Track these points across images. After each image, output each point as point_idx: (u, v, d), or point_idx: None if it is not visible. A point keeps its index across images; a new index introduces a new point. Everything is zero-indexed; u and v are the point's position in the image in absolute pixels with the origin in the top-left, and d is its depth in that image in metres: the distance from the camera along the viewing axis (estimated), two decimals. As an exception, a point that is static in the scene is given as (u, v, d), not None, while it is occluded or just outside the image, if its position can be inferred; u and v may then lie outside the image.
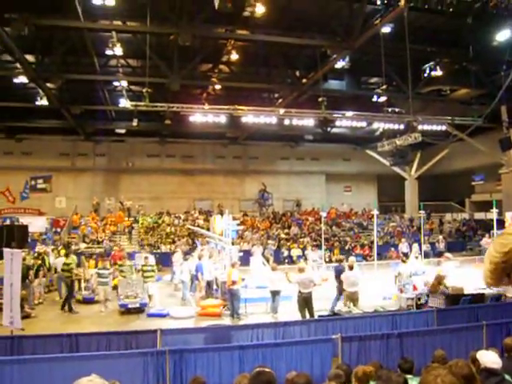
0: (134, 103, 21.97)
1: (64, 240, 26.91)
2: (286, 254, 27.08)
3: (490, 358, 4.50)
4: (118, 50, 18.98)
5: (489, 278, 1.83)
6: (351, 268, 13.60)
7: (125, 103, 23.43)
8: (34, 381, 5.31)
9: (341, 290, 13.82)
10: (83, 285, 17.18)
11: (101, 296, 15.52)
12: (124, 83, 24.06)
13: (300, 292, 12.82)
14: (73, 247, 24.55)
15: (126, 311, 14.56)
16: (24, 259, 13.93)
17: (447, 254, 17.31)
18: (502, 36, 18.64)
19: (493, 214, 20.14)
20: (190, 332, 10.38)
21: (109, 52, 19.69)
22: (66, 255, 17.53)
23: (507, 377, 4.47)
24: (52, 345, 8.97)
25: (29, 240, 24.87)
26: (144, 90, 20.93)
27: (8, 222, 28.94)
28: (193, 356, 8.22)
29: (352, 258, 14.69)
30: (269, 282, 14.15)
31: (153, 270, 16.11)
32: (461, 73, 23.16)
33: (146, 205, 32.66)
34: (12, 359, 7.56)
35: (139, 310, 14.60)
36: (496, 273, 1.79)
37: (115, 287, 16.43)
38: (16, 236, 25.56)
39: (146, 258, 17.20)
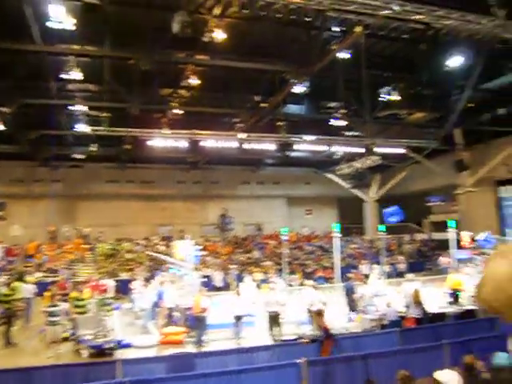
0: (92, 128, 21.66)
1: (18, 269, 25.93)
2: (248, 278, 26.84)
3: (448, 378, 4.55)
4: (77, 75, 18.71)
5: (501, 307, 1.54)
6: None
7: (83, 128, 23.06)
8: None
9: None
10: None
11: (48, 338, 13.44)
12: (82, 108, 23.68)
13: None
14: (28, 277, 23.68)
15: (99, 353, 12.52)
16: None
17: (409, 275, 17.53)
18: (453, 62, 19.40)
19: (450, 234, 20.57)
20: (152, 361, 10.11)
21: (66, 76, 19.38)
22: (8, 285, 16.43)
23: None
24: (4, 380, 8.54)
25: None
26: (103, 115, 20.68)
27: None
28: (155, 386, 7.99)
29: (308, 282, 15.19)
30: (232, 307, 13.98)
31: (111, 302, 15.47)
32: (416, 97, 23.94)
33: (105, 231, 31.92)
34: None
35: (112, 349, 12.82)
36: None
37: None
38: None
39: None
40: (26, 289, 18.62)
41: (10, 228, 31.12)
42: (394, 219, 21.48)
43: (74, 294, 15.44)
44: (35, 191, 32.53)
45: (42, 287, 20.06)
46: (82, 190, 33.33)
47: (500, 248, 1.62)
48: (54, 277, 25.57)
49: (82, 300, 15.08)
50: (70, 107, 24.03)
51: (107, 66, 18.25)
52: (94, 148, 24.03)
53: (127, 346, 13.45)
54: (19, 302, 15.88)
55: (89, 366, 9.49)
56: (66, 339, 13.57)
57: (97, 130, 21.55)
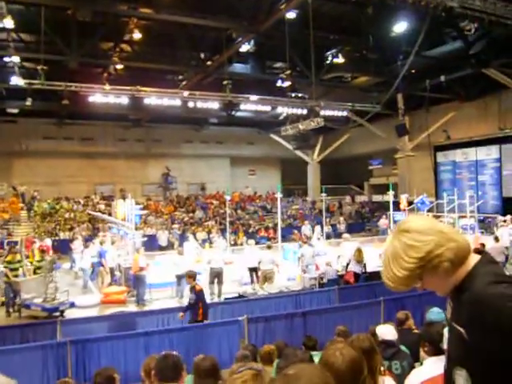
0: (27, 81, 20.56)
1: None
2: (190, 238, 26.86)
3: (386, 331, 4.78)
4: (9, 23, 17.54)
5: (399, 284, 1.62)
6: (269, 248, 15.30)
7: (17, 81, 21.83)
8: None
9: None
10: None
11: None
12: (16, 59, 22.34)
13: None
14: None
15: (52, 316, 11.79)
16: None
17: (345, 235, 18.08)
18: (399, 27, 19.65)
19: (389, 197, 21.24)
20: (93, 321, 10.05)
21: (-3, 24, 18.17)
22: None
23: (402, 347, 4.77)
24: None
25: None
26: (39, 68, 19.65)
27: None
28: (96, 345, 7.96)
29: (251, 241, 15.52)
30: (174, 266, 14.01)
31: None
32: (361, 61, 24.16)
33: (42, 190, 30.84)
34: None
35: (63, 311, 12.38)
36: (409, 279, 1.59)
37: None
38: None
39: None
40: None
41: None
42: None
43: (11, 258, 14.05)
44: (-34, 147, 30.82)
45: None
46: (17, 147, 31.84)
47: (397, 226, 1.70)
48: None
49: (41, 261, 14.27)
50: (2, 58, 22.73)
51: (43, 15, 17.19)
52: (29, 103, 22.85)
53: (71, 305, 13.18)
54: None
55: (28, 327, 9.31)
56: (3, 304, 13.07)
57: (32, 84, 20.47)
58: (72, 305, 13.01)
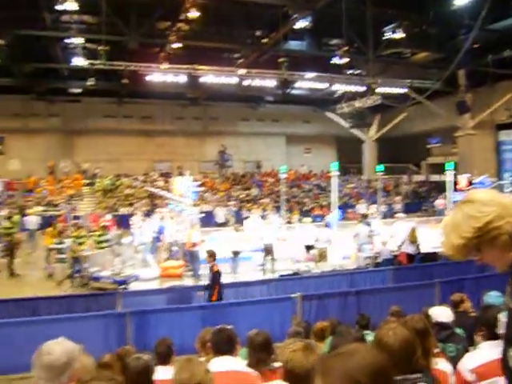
0: (89, 61, 21.24)
1: (18, 203, 26.17)
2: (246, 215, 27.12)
3: (441, 313, 4.71)
4: (71, 5, 18.08)
5: (455, 252, 1.65)
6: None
7: (80, 61, 22.60)
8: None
9: None
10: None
11: (59, 276, 13.48)
12: (79, 40, 23.10)
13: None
14: (30, 210, 23.95)
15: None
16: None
17: (399, 215, 17.78)
18: (460, 0, 18.79)
19: (447, 176, 20.65)
20: (151, 294, 10.42)
21: (61, 7, 18.75)
22: (9, 218, 16.63)
23: (458, 330, 4.69)
24: (13, 309, 8.86)
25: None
26: (100, 48, 20.22)
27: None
28: (154, 317, 8.28)
29: (306, 219, 15.40)
30: (230, 243, 14.24)
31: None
32: (421, 36, 23.35)
33: (103, 167, 31.95)
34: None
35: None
36: (466, 248, 1.61)
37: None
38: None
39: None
40: (29, 221, 18.97)
41: (8, 162, 31.22)
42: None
43: (77, 233, 14.70)
44: (32, 125, 32.23)
45: (44, 221, 20.33)
46: (80, 125, 33.05)
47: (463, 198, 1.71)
48: (55, 211, 25.89)
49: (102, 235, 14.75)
50: (66, 40, 23.49)
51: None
52: (91, 82, 23.61)
53: (136, 278, 13.45)
54: (19, 234, 16.14)
55: (91, 297, 9.79)
56: (69, 276, 13.51)
57: (94, 64, 21.11)
58: (137, 278, 13.41)
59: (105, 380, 1.83)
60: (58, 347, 2.39)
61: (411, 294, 9.57)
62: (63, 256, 13.81)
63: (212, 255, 9.78)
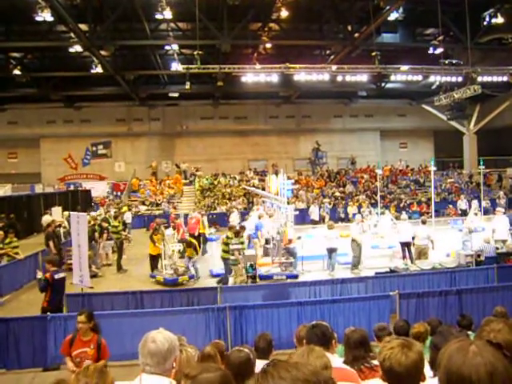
0: (185, 66, 22.15)
1: (125, 203, 27.87)
2: (341, 212, 26.85)
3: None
4: (168, 14, 18.95)
5: None
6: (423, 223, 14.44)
7: (176, 67, 23.67)
8: (104, 335, 5.71)
9: None
10: (165, 262, 13.92)
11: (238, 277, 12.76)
12: (175, 47, 24.23)
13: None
14: (133, 209, 25.51)
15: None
16: (89, 222, 14.31)
17: (499, 209, 16.77)
18: None
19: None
20: (249, 289, 10.68)
21: (159, 16, 19.73)
22: (115, 218, 17.74)
23: None
24: (119, 301, 9.54)
25: (92, 204, 26.13)
26: (195, 53, 20.99)
27: (72, 188, 30.37)
28: (252, 312, 8.52)
29: (404, 216, 14.98)
30: (325, 240, 14.24)
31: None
32: (524, 19, 21.80)
33: (200, 167, 33.19)
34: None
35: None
36: None
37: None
38: (80, 200, 26.98)
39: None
40: (126, 217, 20.65)
41: (115, 165, 33.42)
42: None
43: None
44: (135, 129, 34.28)
45: (149, 220, 21.72)
46: (178, 128, 34.60)
47: None
48: (157, 210, 27.34)
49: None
50: (164, 47, 24.72)
51: (197, 3, 18.27)
52: (188, 86, 24.59)
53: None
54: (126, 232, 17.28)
55: (193, 291, 10.26)
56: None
57: (189, 68, 21.97)
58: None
59: (213, 371, 1.99)
60: (161, 335, 2.64)
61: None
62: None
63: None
